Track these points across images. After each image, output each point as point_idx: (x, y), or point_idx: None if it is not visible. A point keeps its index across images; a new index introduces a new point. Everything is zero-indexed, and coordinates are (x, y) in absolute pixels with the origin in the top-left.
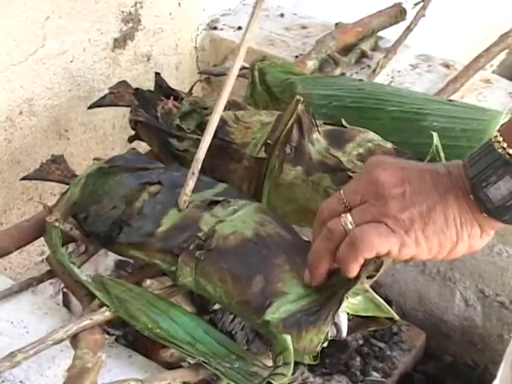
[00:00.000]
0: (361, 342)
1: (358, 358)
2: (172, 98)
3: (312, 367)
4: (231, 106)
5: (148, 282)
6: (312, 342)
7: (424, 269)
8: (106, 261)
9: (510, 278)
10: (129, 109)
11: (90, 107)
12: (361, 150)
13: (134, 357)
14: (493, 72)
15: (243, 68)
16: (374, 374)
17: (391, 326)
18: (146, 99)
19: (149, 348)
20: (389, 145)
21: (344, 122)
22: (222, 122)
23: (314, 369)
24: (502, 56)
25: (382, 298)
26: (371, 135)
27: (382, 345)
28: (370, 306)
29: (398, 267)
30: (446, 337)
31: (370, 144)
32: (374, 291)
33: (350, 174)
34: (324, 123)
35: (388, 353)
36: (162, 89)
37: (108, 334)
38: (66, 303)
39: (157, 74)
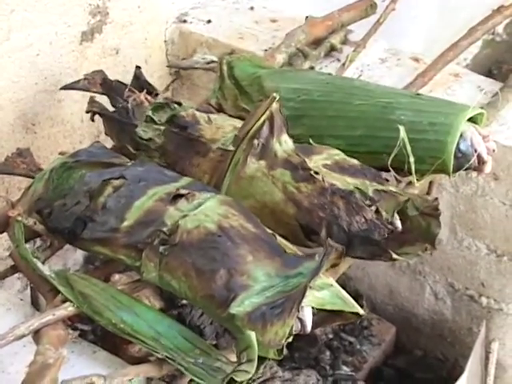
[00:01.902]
0: (330, 336)
1: (328, 352)
2: (145, 91)
3: (281, 361)
4: (205, 110)
5: (116, 276)
6: (277, 334)
7: (394, 262)
8: (75, 255)
9: (478, 272)
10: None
11: (63, 89)
12: (327, 162)
13: (97, 352)
14: (466, 66)
15: (212, 61)
16: (344, 368)
17: (361, 320)
18: (113, 89)
19: (117, 343)
20: (354, 161)
21: (312, 142)
22: (195, 121)
23: (283, 363)
24: (475, 49)
25: (352, 291)
26: (338, 151)
27: (351, 339)
28: (335, 300)
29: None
30: (417, 331)
31: (336, 157)
32: (344, 285)
33: (311, 173)
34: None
35: (358, 347)
36: (139, 82)
37: (76, 328)
38: (34, 298)
39: (137, 67)
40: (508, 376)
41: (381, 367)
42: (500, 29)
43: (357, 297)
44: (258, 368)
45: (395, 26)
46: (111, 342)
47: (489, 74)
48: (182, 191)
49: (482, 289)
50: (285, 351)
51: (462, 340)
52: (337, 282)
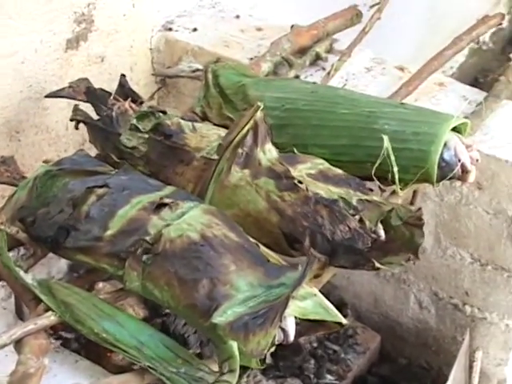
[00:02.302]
0: (315, 344)
1: (312, 361)
2: (130, 99)
3: (265, 370)
4: (190, 119)
5: (100, 284)
6: (259, 344)
7: (379, 271)
8: (59, 263)
9: (463, 281)
10: None
11: (47, 96)
12: (312, 171)
13: (80, 362)
14: (452, 74)
15: (197, 70)
16: (329, 376)
17: (346, 329)
18: (97, 98)
19: (101, 351)
20: (339, 170)
21: (296, 151)
22: (179, 129)
23: (267, 372)
24: (461, 58)
25: (337, 300)
26: (322, 161)
27: (336, 347)
28: (318, 310)
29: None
30: (401, 339)
31: (320, 166)
32: (329, 293)
33: (295, 182)
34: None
35: (342, 355)
36: (124, 90)
37: (60, 337)
38: (18, 307)
39: (122, 75)
40: None
41: (365, 375)
42: (486, 37)
43: (342, 305)
44: (240, 378)
45: (382, 34)
46: (95, 350)
47: (475, 82)
48: (166, 200)
49: (466, 298)
50: (269, 360)
51: (446, 348)
52: (322, 290)
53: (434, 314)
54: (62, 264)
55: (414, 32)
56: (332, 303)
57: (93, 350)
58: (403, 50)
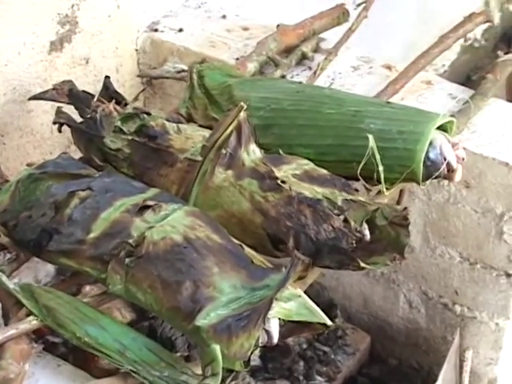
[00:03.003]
0: (304, 346)
1: (302, 363)
2: (114, 101)
3: (254, 372)
4: (175, 120)
5: (87, 288)
6: (243, 347)
7: (368, 271)
8: (46, 267)
9: (452, 280)
10: None
11: (31, 99)
12: (297, 171)
13: (62, 366)
14: (444, 72)
15: (182, 71)
16: (318, 378)
17: (336, 330)
18: (80, 100)
19: (87, 355)
20: (324, 170)
21: (281, 152)
22: (164, 130)
23: (256, 374)
24: (453, 56)
25: (326, 301)
26: (307, 161)
27: (326, 348)
28: (302, 311)
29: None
30: (391, 339)
31: (306, 167)
32: (318, 294)
33: (278, 182)
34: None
35: (332, 356)
36: (108, 92)
37: (47, 341)
38: (6, 311)
39: (106, 77)
40: None
41: (355, 376)
42: (478, 35)
43: (331, 306)
44: (224, 381)
45: (372, 33)
46: (82, 354)
47: (467, 80)
48: (149, 202)
49: (456, 297)
50: (257, 362)
51: (436, 348)
52: (311, 291)
53: (423, 313)
54: (50, 268)
55: (404, 31)
56: (321, 304)
57: (80, 355)
58: (393, 49)
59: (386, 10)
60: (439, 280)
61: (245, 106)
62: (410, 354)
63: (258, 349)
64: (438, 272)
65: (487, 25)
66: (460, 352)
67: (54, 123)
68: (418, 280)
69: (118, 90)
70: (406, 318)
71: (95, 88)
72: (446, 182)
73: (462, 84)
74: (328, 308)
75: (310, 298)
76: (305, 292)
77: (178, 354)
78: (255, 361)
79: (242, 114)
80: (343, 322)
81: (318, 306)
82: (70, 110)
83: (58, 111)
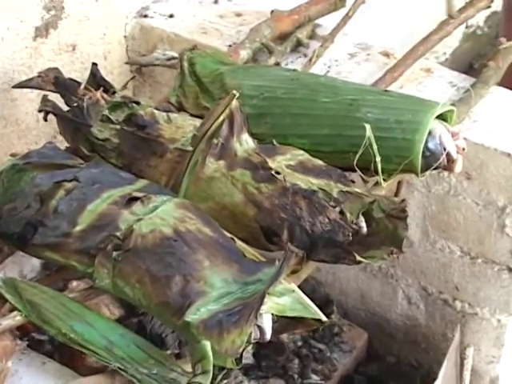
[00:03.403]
0: (299, 343)
1: (297, 361)
2: (102, 89)
3: (247, 370)
4: (165, 109)
5: (74, 283)
6: (234, 343)
7: (365, 266)
8: (32, 261)
9: (452, 275)
10: None
11: (15, 87)
12: (291, 162)
13: (47, 364)
14: (445, 60)
15: (172, 58)
16: (314, 376)
17: (332, 327)
18: (66, 88)
19: (75, 353)
20: (319, 161)
21: (275, 142)
22: (153, 120)
23: (249, 372)
24: (455, 43)
25: (322, 296)
26: (302, 152)
27: (321, 346)
28: (296, 306)
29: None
30: (390, 336)
31: (300, 157)
32: (314, 290)
33: (272, 173)
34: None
35: (328, 354)
36: (95, 79)
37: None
38: None
39: (94, 64)
40: (484, 383)
41: (352, 375)
42: (481, 22)
43: (327, 302)
44: (215, 378)
45: (373, 20)
46: (69, 351)
47: (469, 68)
48: (137, 194)
49: (456, 292)
50: (251, 360)
51: (436, 346)
52: (307, 287)
53: (423, 309)
54: (35, 262)
55: (404, 17)
56: (317, 300)
57: (66, 352)
58: (393, 36)
59: None
60: (439, 275)
61: (237, 94)
62: (409, 351)
63: (251, 346)
64: (437, 267)
65: (490, 11)
66: (461, 350)
67: (40, 111)
68: (417, 275)
69: (106, 78)
70: (404, 314)
71: (82, 76)
72: (446, 173)
73: (464, 72)
74: (324, 304)
75: (305, 294)
76: (299, 287)
77: (169, 352)
78: (248, 359)
79: (234, 103)
80: (339, 319)
81: (313, 301)
82: (57, 99)
83: (44, 99)
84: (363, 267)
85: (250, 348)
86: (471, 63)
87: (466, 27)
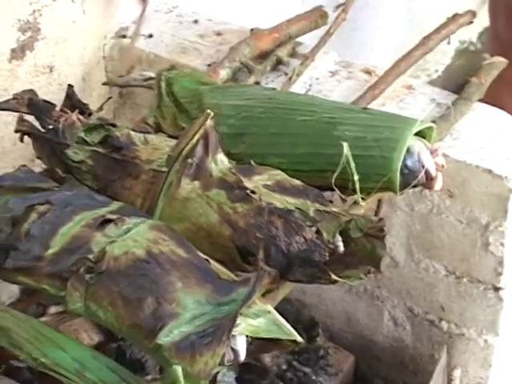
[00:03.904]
0: (284, 366)
1: None
2: (77, 111)
3: None
4: (142, 130)
5: (53, 308)
6: (207, 365)
7: (351, 288)
8: (10, 288)
9: (438, 295)
10: None
11: None
12: (268, 182)
13: None
14: (438, 77)
15: (150, 78)
16: None
17: (317, 350)
18: (40, 110)
19: (56, 380)
20: (297, 181)
21: (252, 162)
22: (130, 141)
23: None
24: (447, 60)
25: (307, 319)
26: (279, 172)
27: (306, 369)
28: (271, 328)
29: (324, 286)
30: (377, 359)
31: (278, 177)
32: (299, 312)
33: (248, 192)
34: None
35: (313, 378)
36: (72, 101)
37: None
38: None
39: (69, 85)
40: None
41: None
42: (474, 38)
43: (313, 325)
44: None
45: (360, 37)
46: (50, 379)
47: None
48: (111, 216)
49: (442, 313)
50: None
51: (423, 367)
52: (291, 309)
53: (409, 331)
54: (14, 288)
55: (393, 35)
56: (302, 323)
57: (48, 380)
58: (381, 53)
59: (373, 14)
60: (425, 295)
61: (211, 114)
62: (397, 373)
63: (233, 370)
64: (423, 287)
65: (482, 27)
66: (448, 371)
67: (16, 132)
68: (403, 296)
69: (86, 100)
70: (391, 335)
71: (60, 98)
72: (428, 191)
73: (457, 89)
74: (309, 327)
75: (290, 316)
76: (284, 309)
77: (149, 377)
78: (231, 383)
79: (209, 122)
80: (325, 341)
81: (298, 324)
82: (33, 122)
83: (21, 119)
84: (348, 289)
85: (232, 373)
86: (467, 79)
87: (449, 43)
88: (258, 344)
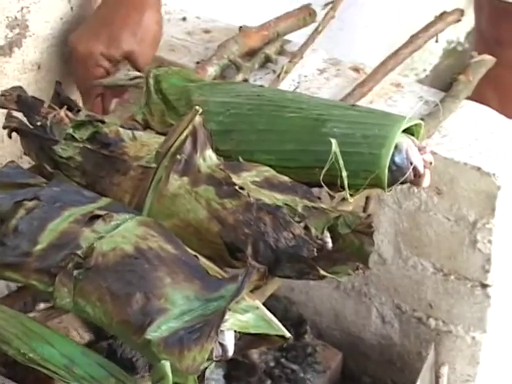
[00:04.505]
0: (272, 363)
1: (269, 382)
2: (66, 107)
3: None
4: (130, 127)
5: (42, 304)
6: (195, 360)
7: (339, 285)
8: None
9: (425, 293)
10: None
11: None
12: (257, 179)
13: None
14: (426, 77)
15: (135, 77)
16: None
17: (305, 347)
18: (29, 106)
19: (41, 378)
20: (285, 177)
21: (241, 159)
22: (118, 138)
23: None
24: (435, 60)
25: (295, 316)
26: (267, 168)
27: (294, 367)
28: (260, 323)
29: (312, 284)
30: (364, 356)
31: (266, 173)
32: (287, 309)
33: (236, 188)
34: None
35: (301, 375)
36: (60, 98)
37: None
38: None
39: (57, 82)
40: None
41: None
42: (461, 38)
43: (301, 322)
44: None
45: (346, 36)
46: (34, 376)
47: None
48: (99, 212)
49: (430, 310)
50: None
51: (411, 365)
52: (278, 306)
53: (397, 328)
54: (1, 284)
55: (381, 34)
56: (290, 320)
57: (31, 377)
58: (370, 51)
59: (361, 12)
60: (412, 293)
61: (200, 110)
62: (384, 371)
63: (221, 367)
64: (410, 284)
65: (470, 27)
66: (435, 368)
67: (4, 128)
68: (391, 293)
69: (73, 97)
70: (379, 333)
71: (48, 95)
72: (416, 188)
73: (445, 89)
74: (297, 324)
75: (278, 313)
76: (271, 306)
77: (139, 376)
78: (219, 381)
79: (198, 119)
80: (313, 339)
81: (286, 321)
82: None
83: (9, 115)
84: (336, 286)
85: (220, 370)
86: (456, 78)
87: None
88: (246, 340)
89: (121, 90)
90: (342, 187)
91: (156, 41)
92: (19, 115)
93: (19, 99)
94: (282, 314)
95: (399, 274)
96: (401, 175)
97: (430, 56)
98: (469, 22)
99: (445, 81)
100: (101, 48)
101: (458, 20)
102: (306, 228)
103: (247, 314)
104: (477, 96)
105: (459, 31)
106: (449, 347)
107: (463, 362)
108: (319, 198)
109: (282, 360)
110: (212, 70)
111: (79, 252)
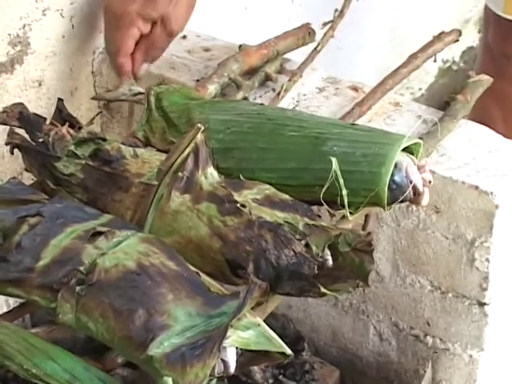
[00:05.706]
0: (270, 381)
1: None
2: (67, 124)
3: None
4: (131, 144)
5: None
6: (197, 377)
7: (336, 302)
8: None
9: (423, 310)
10: None
11: None
12: (258, 196)
13: None
14: (421, 96)
15: (138, 93)
16: None
17: (303, 364)
18: (31, 123)
19: None
20: (286, 195)
21: (242, 177)
22: (120, 155)
23: None
24: (430, 79)
25: (293, 334)
26: (268, 186)
27: (292, 383)
28: (261, 340)
29: (310, 301)
30: (362, 374)
31: (267, 191)
32: (284, 327)
33: (238, 206)
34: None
35: None
36: (61, 115)
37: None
38: None
39: (59, 99)
40: None
41: None
42: (456, 57)
43: (298, 339)
44: None
45: (344, 56)
46: None
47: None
48: (101, 229)
49: (428, 328)
50: None
51: (408, 383)
52: (276, 324)
53: (394, 346)
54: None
55: (377, 53)
56: (288, 337)
57: None
58: (366, 71)
59: (358, 32)
60: (410, 310)
61: (202, 128)
62: None
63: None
64: (408, 302)
65: (466, 46)
66: None
67: (7, 144)
68: (388, 311)
69: (74, 114)
70: (376, 350)
71: (49, 112)
72: (414, 207)
73: (440, 108)
74: (295, 341)
75: (275, 331)
76: (269, 324)
77: None
78: None
79: (199, 136)
80: (310, 356)
81: (283, 338)
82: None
83: (11, 131)
84: (334, 304)
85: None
86: (453, 97)
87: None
88: (247, 356)
89: (152, 52)
90: (342, 205)
91: (191, 7)
92: (20, 132)
93: (21, 116)
94: (280, 332)
95: (397, 292)
96: (400, 194)
97: (425, 75)
98: (464, 41)
99: (440, 99)
100: (136, 7)
101: (456, 40)
102: (307, 246)
103: (248, 331)
104: (481, 111)
105: (454, 50)
106: (446, 365)
107: (460, 380)
108: (319, 216)
109: (280, 377)
110: (212, 88)
111: (82, 268)
